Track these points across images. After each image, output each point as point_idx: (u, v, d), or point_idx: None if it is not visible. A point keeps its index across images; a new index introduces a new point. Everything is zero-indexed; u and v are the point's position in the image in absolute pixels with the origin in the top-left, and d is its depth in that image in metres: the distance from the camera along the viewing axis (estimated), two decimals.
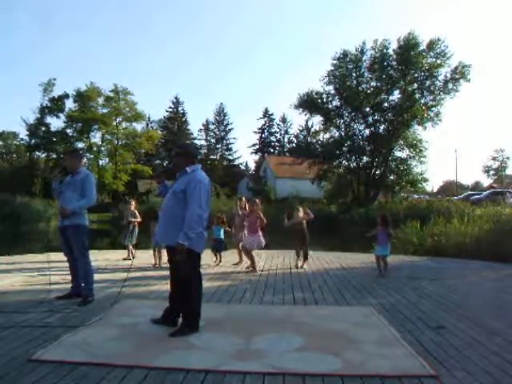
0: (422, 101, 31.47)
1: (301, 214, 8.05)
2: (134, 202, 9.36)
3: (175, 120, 63.15)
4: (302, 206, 9.01)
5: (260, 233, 7.70)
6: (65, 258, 5.20)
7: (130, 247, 8.99)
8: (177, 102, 64.20)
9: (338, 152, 34.11)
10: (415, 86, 31.75)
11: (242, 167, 68.34)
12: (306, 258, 8.06)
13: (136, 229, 9.01)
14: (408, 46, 30.63)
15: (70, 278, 5.14)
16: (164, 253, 7.89)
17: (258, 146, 69.00)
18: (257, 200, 8.12)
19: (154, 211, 8.52)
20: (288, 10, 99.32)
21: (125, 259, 8.84)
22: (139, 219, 9.04)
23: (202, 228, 3.78)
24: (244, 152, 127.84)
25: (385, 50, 32.29)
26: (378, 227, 7.29)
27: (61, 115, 47.21)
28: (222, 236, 8.54)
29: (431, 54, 30.84)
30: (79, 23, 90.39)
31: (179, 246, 3.59)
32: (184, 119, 64.62)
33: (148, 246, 10.19)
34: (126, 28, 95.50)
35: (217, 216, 8.75)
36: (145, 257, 8.88)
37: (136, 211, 9.12)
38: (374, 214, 16.23)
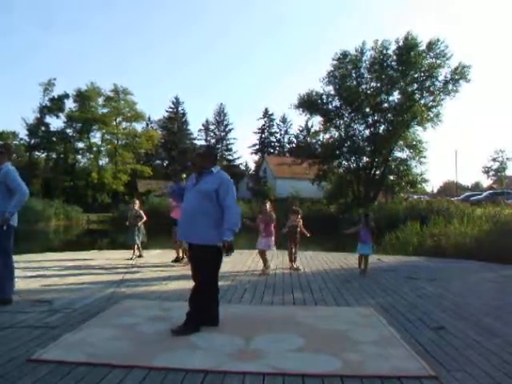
0: (422, 101, 31.53)
1: (298, 216, 8.03)
2: (138, 202, 9.19)
3: (175, 120, 63.04)
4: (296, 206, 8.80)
5: (273, 236, 7.47)
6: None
7: (137, 245, 8.84)
8: (177, 102, 64.13)
9: (337, 152, 34.15)
10: (415, 86, 31.81)
11: (242, 167, 68.22)
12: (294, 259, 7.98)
13: (141, 228, 8.85)
14: (408, 46, 30.67)
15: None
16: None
17: (257, 147, 68.95)
18: (268, 202, 7.75)
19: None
20: (288, 10, 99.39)
21: (138, 257, 8.75)
22: (144, 219, 8.88)
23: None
24: (244, 152, 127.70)
25: (384, 51, 32.34)
26: (362, 225, 7.20)
27: (61, 115, 47.12)
28: None
29: (431, 54, 30.92)
30: (79, 23, 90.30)
31: (226, 243, 3.72)
32: (184, 119, 64.50)
33: (148, 246, 10.19)
34: (126, 28, 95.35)
35: None
36: (145, 257, 8.89)
37: (141, 211, 8.96)
38: (374, 215, 16.21)
